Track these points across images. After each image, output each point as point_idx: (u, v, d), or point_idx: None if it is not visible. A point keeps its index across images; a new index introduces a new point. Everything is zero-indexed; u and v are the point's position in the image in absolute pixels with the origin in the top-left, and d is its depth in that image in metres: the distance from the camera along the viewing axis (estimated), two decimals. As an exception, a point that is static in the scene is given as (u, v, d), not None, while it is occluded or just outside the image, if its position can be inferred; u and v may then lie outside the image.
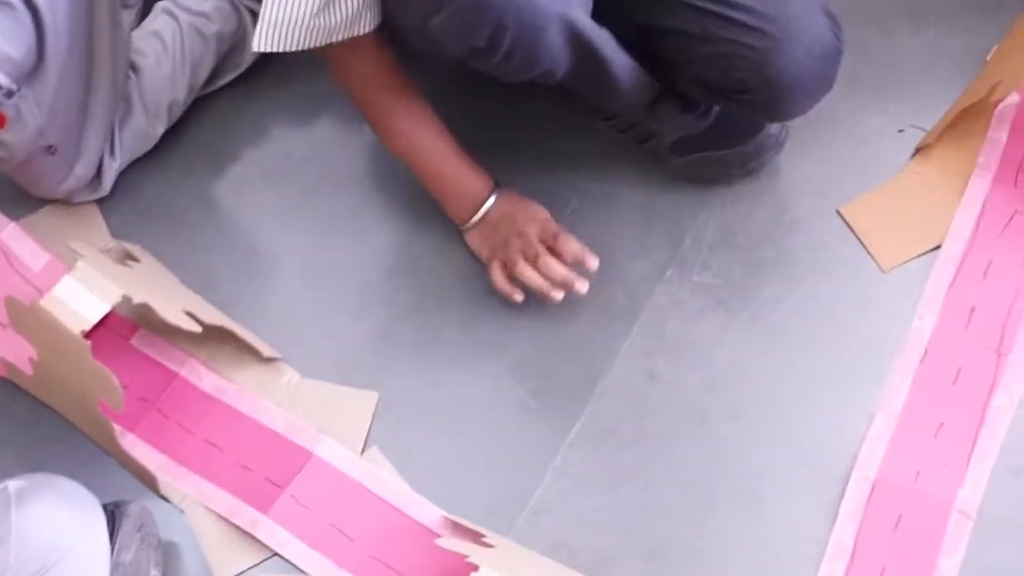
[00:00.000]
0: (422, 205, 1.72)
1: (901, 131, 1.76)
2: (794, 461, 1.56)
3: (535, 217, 1.62)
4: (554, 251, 1.59)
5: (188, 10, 1.79)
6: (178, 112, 1.81)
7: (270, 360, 1.64)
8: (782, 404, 1.59)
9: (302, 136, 1.86)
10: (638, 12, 1.54)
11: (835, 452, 1.56)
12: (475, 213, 1.63)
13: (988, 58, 1.80)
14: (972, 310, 1.64)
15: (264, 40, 1.45)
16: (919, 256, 1.68)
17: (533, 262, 1.59)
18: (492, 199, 1.62)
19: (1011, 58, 1.73)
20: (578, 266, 1.59)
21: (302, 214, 1.79)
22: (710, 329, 1.64)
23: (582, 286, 1.58)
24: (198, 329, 1.56)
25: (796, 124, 1.70)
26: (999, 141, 1.74)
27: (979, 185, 1.71)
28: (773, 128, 1.69)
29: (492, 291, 1.64)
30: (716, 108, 1.67)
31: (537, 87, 1.53)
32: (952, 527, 1.51)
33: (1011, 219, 1.68)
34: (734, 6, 1.48)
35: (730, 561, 1.51)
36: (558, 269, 1.57)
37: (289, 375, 1.64)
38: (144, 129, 1.78)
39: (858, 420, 1.57)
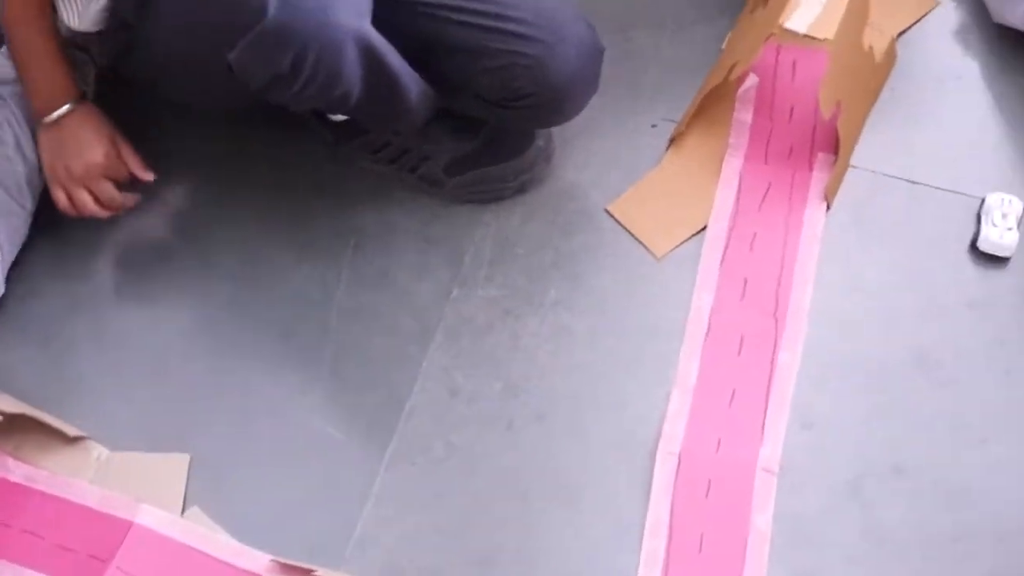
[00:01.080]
0: (210, 269, 1.76)
1: (654, 126, 1.84)
2: (602, 449, 1.62)
3: (94, 161, 1.67)
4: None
5: (5, 81, 1.77)
6: (40, 181, 1.76)
7: (77, 440, 1.63)
8: (583, 398, 1.66)
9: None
10: (415, 30, 1.60)
11: (639, 434, 1.63)
12: (50, 115, 1.66)
13: (723, 46, 1.90)
14: (745, 281, 1.72)
15: None
16: (688, 239, 1.76)
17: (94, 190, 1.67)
18: (67, 108, 1.66)
19: (742, 41, 1.83)
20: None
21: (87, 290, 1.79)
22: (502, 339, 1.70)
23: (129, 201, 1.71)
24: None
25: (558, 134, 1.77)
26: (745, 122, 1.84)
27: (733, 165, 1.81)
28: (541, 140, 1.76)
29: (289, 339, 1.67)
30: (486, 126, 1.73)
31: (309, 133, 1.56)
32: (759, 485, 1.59)
33: (767, 192, 1.77)
34: (509, 19, 1.57)
35: (557, 555, 1.56)
36: (111, 194, 1.68)
37: (98, 451, 1.63)
38: (16, 212, 1.74)
39: (656, 401, 1.65)
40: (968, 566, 1.53)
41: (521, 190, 1.79)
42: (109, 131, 1.68)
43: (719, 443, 1.61)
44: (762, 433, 1.62)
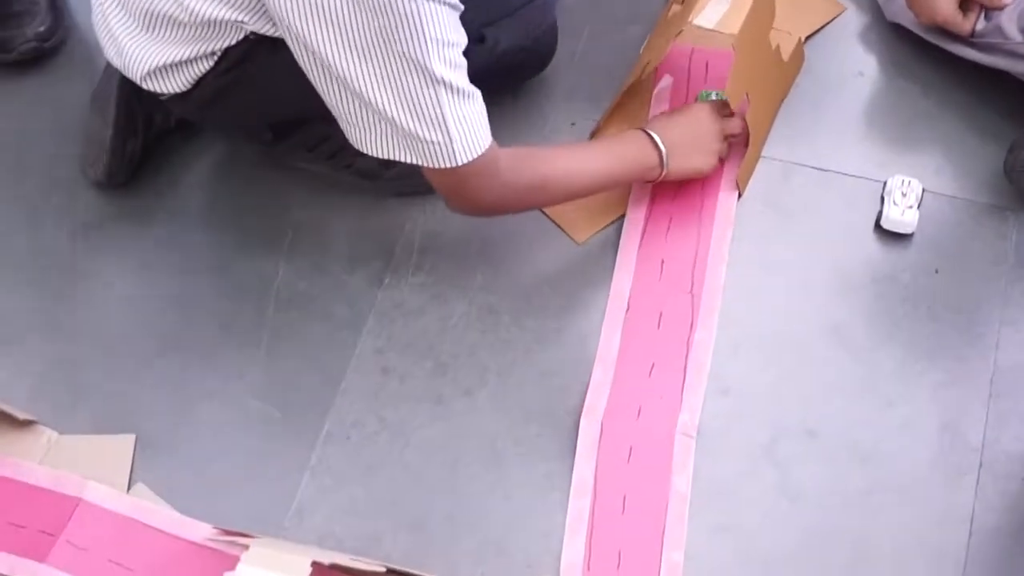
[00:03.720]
0: (150, 254, 1.85)
1: (573, 124, 1.94)
2: (528, 419, 1.70)
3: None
4: None
5: None
6: None
7: (26, 423, 1.70)
8: (509, 373, 1.74)
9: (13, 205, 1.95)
10: None
11: (563, 404, 1.71)
12: (662, 159, 1.75)
13: (641, 50, 2.00)
14: (662, 262, 1.81)
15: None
16: (607, 226, 1.85)
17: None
18: (655, 135, 1.75)
19: (656, 42, 1.93)
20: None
21: (31, 276, 1.87)
22: (432, 321, 1.78)
23: None
24: (-51, 402, 1.62)
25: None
26: (659, 118, 1.93)
27: (648, 156, 1.89)
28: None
29: (229, 327, 1.76)
30: None
31: (246, 133, 1.63)
32: (678, 448, 1.67)
33: (682, 181, 1.86)
34: None
35: (486, 518, 1.64)
36: None
37: (47, 435, 1.70)
38: None
39: (579, 373, 1.73)
40: (880, 518, 1.62)
41: (448, 182, 1.88)
42: None
43: (639, 411, 1.69)
44: (680, 401, 1.70)
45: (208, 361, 1.77)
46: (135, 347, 1.79)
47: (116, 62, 1.68)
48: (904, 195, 1.82)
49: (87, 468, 1.67)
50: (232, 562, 1.48)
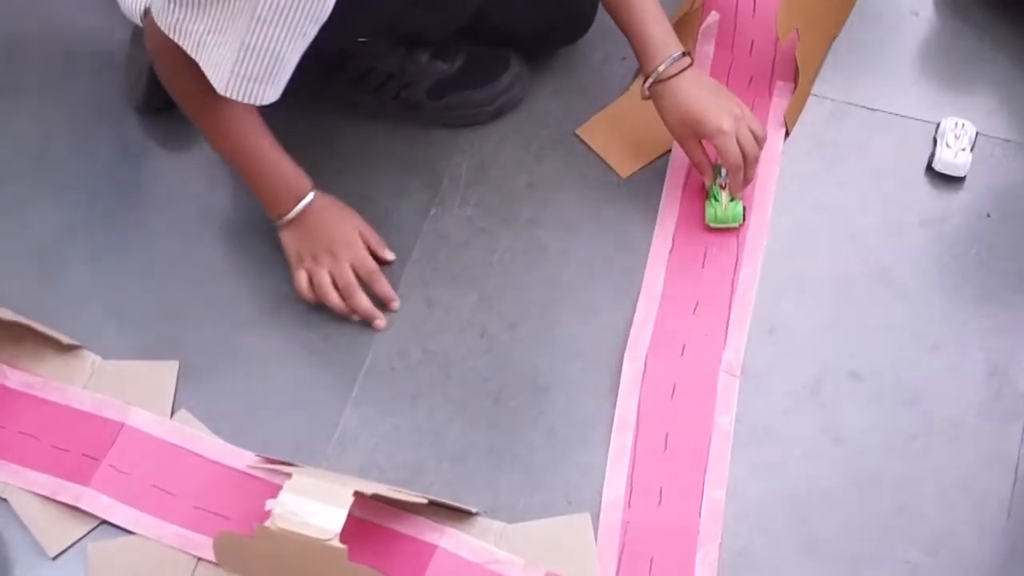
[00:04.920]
0: (203, 195, 1.85)
1: (623, 58, 1.92)
2: (572, 354, 1.70)
3: (350, 240, 1.70)
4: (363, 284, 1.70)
5: None
6: None
7: (71, 348, 1.70)
8: (553, 308, 1.73)
9: (63, 132, 1.94)
10: None
11: (607, 340, 1.70)
12: (290, 210, 1.68)
13: (691, -13, 1.97)
14: (708, 197, 1.80)
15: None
16: (652, 162, 1.84)
17: (342, 289, 1.69)
18: (309, 197, 1.68)
19: (704, -23, 1.91)
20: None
21: (82, 211, 1.86)
22: (477, 254, 1.78)
23: (381, 323, 1.71)
24: (-6, 324, 1.63)
25: (532, 63, 1.87)
26: (707, 54, 1.92)
27: (696, 91, 1.88)
28: (516, 66, 1.85)
29: (275, 252, 1.74)
30: (464, 51, 1.84)
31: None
32: (722, 387, 1.66)
33: (730, 119, 1.84)
34: None
35: (528, 451, 1.63)
36: (365, 306, 1.70)
37: (91, 359, 1.71)
38: None
39: (624, 310, 1.72)
40: (924, 462, 1.61)
41: (497, 115, 1.87)
42: (350, 212, 1.72)
43: (683, 349, 1.68)
44: (725, 339, 1.69)
45: (255, 289, 1.77)
46: (181, 273, 1.79)
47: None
48: (957, 137, 1.80)
49: (130, 394, 1.67)
50: (274, 490, 1.48)
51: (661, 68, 1.66)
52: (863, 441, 1.62)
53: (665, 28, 1.68)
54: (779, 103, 1.86)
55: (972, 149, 1.80)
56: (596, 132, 1.86)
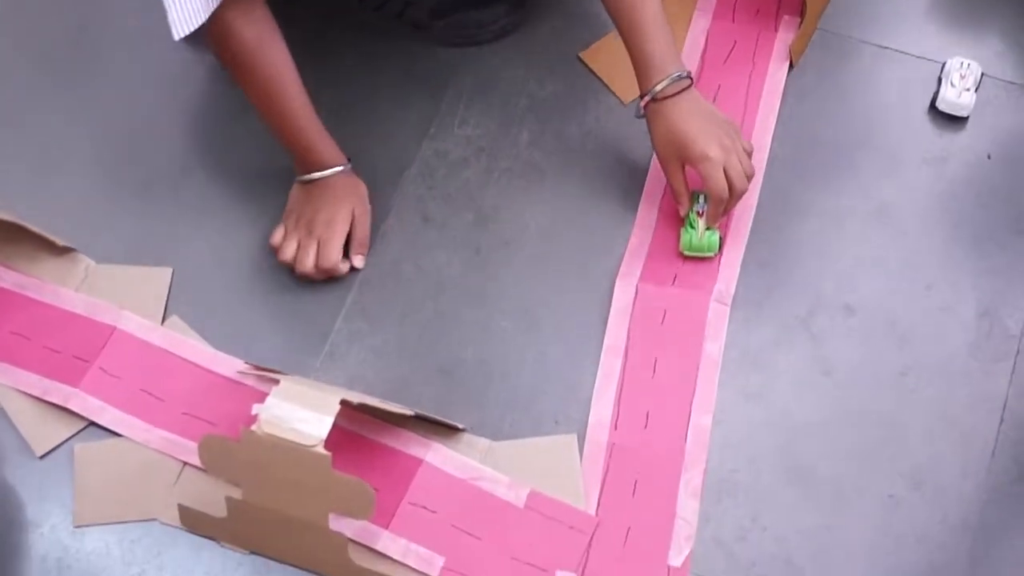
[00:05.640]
0: (196, 99, 1.85)
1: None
2: (565, 276, 1.70)
3: (332, 222, 1.68)
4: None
5: None
6: None
7: (65, 251, 1.70)
8: (548, 230, 1.73)
9: (70, 29, 1.94)
10: None
11: (601, 265, 1.70)
12: (306, 174, 1.69)
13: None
14: (708, 129, 1.79)
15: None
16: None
17: (295, 260, 1.68)
18: (327, 172, 1.68)
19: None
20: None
21: (79, 110, 1.86)
22: (476, 174, 1.77)
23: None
24: (-11, 222, 1.63)
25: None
26: (715, -15, 1.91)
27: (701, 22, 1.88)
28: (519, -13, 1.83)
29: (275, 166, 1.75)
30: None
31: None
32: (712, 315, 1.66)
33: (732, 49, 1.84)
34: None
35: (516, 369, 1.64)
36: (336, 266, 1.69)
37: (85, 263, 1.71)
38: None
39: (618, 236, 1.72)
40: (912, 398, 1.61)
41: (500, 35, 1.87)
42: (355, 197, 1.70)
43: (675, 277, 1.68)
44: (717, 269, 1.69)
45: (249, 198, 1.77)
46: (178, 182, 1.79)
47: None
48: (962, 77, 1.80)
49: (123, 298, 1.68)
50: (262, 398, 1.47)
51: (658, 87, 1.61)
52: (852, 374, 1.62)
53: (666, 44, 1.62)
54: (784, 36, 1.86)
55: (977, 90, 1.80)
56: (599, 56, 1.85)
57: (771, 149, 1.78)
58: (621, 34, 1.64)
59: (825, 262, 1.70)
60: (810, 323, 1.66)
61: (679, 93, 1.62)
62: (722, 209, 1.64)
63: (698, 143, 1.60)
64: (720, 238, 1.68)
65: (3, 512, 1.56)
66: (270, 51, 1.60)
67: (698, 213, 1.67)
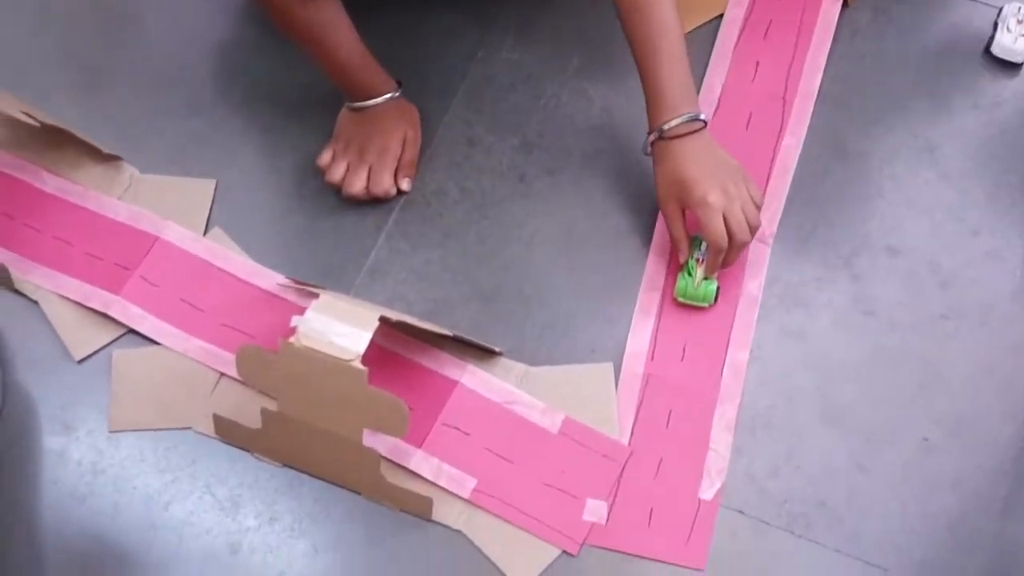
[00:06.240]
0: (241, 15, 1.84)
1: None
2: (608, 208, 1.69)
3: (384, 150, 1.68)
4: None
5: None
6: None
7: (110, 158, 1.70)
8: (593, 160, 1.72)
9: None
10: None
11: (643, 200, 1.70)
12: (357, 101, 1.67)
13: None
14: (757, 64, 1.78)
15: None
16: (706, 23, 1.82)
17: (344, 182, 1.68)
18: (378, 99, 1.67)
19: None
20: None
21: (128, 25, 1.86)
22: (523, 99, 1.77)
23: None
24: (36, 124, 1.62)
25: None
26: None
27: (756, -43, 1.86)
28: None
29: (317, 87, 1.73)
30: None
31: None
32: (753, 253, 1.65)
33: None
34: None
35: (554, 298, 1.63)
36: (388, 192, 1.69)
37: (130, 172, 1.71)
38: None
39: (663, 167, 1.70)
40: (952, 343, 1.60)
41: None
42: (406, 122, 1.70)
43: (719, 212, 1.67)
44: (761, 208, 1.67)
45: (294, 118, 1.76)
46: (224, 94, 1.79)
47: None
48: (1019, 22, 1.78)
49: (166, 208, 1.68)
50: (301, 311, 1.48)
51: (667, 126, 1.54)
52: (893, 316, 1.61)
53: (683, 81, 1.55)
54: (839, -26, 1.83)
55: (1033, 35, 1.77)
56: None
57: (821, 87, 1.76)
58: (636, 63, 1.56)
59: (870, 203, 1.69)
60: (853, 263, 1.65)
61: (689, 134, 1.54)
62: (720, 259, 1.56)
63: (700, 187, 1.52)
64: (717, 289, 1.60)
65: (17, 416, 1.57)
66: None
67: (698, 260, 1.59)
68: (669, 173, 1.56)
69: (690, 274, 1.59)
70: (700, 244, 1.59)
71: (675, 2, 1.55)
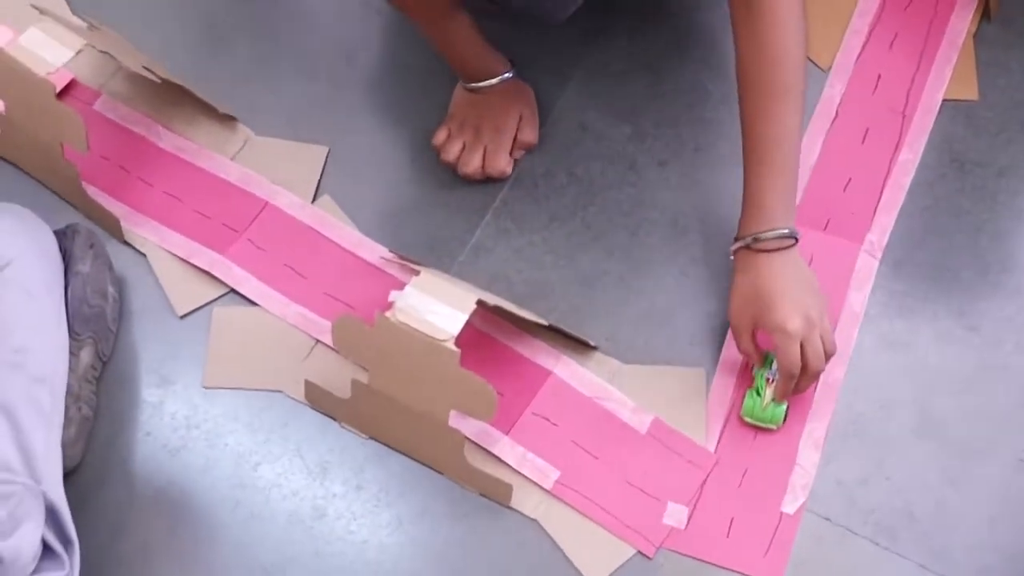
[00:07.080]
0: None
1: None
2: (716, 202, 1.68)
3: (500, 129, 1.69)
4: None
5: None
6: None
7: (226, 119, 1.72)
8: (705, 152, 1.72)
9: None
10: None
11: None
12: (473, 82, 1.69)
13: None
14: (879, 77, 1.75)
15: None
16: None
17: (459, 162, 1.68)
18: (493, 80, 1.69)
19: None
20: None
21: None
22: (638, 87, 1.76)
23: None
24: (157, 80, 1.65)
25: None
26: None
27: (885, -30, 1.83)
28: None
29: (435, 65, 1.73)
30: None
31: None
32: (860, 265, 1.62)
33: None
34: None
35: (656, 288, 1.63)
36: (504, 172, 1.69)
37: (245, 133, 1.73)
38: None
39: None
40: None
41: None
42: (522, 100, 1.71)
43: (827, 223, 1.65)
44: (872, 220, 1.65)
45: (411, 94, 1.77)
46: (340, 63, 1.80)
47: None
48: None
49: (277, 172, 1.70)
50: (401, 286, 1.50)
51: (759, 237, 1.48)
52: (998, 332, 1.58)
53: (785, 194, 1.48)
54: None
55: None
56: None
57: (942, 101, 1.74)
58: (744, 158, 1.50)
59: (982, 216, 1.66)
60: (961, 276, 1.62)
61: (779, 250, 1.48)
62: (792, 385, 1.48)
63: (780, 311, 1.45)
64: (786, 411, 1.51)
65: (120, 365, 1.60)
66: None
67: (767, 380, 1.51)
68: (749, 286, 1.49)
69: (759, 394, 1.51)
70: (771, 363, 1.51)
71: (802, 107, 1.49)
